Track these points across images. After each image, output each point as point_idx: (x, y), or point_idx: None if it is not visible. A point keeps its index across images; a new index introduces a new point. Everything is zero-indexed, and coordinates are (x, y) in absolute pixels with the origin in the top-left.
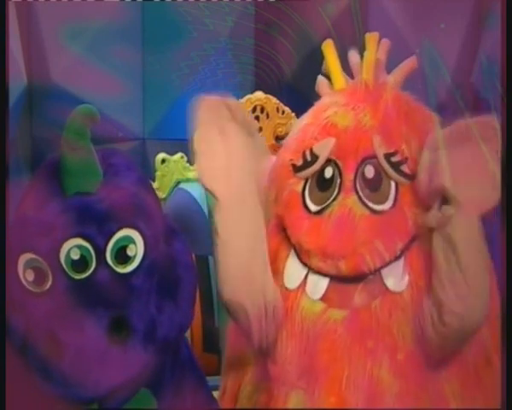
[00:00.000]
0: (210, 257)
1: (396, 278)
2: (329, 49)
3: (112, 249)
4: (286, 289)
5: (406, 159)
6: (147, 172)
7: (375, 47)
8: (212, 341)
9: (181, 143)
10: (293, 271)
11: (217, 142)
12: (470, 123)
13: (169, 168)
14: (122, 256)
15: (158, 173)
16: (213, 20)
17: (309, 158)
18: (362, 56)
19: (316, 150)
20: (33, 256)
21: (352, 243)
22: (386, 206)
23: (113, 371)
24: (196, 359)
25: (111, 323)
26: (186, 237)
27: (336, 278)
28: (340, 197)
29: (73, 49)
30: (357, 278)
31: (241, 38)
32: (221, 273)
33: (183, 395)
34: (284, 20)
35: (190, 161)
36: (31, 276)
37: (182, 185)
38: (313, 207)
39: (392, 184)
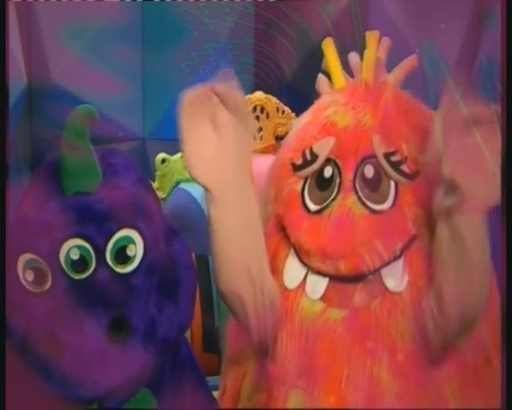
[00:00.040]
0: (210, 257)
1: (395, 278)
2: (329, 48)
3: (111, 249)
4: (285, 288)
5: (406, 158)
6: (147, 172)
7: (376, 46)
8: (212, 341)
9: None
10: (293, 270)
11: (205, 130)
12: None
13: (169, 168)
14: (122, 256)
15: (158, 173)
16: (213, 20)
17: (308, 157)
18: (362, 56)
19: (315, 149)
20: (33, 256)
21: (351, 243)
22: (386, 206)
23: (113, 371)
24: (196, 359)
25: (111, 323)
26: (186, 237)
27: (336, 278)
28: (339, 197)
29: (73, 49)
30: (356, 278)
31: (241, 38)
32: (217, 264)
33: (183, 395)
34: (284, 20)
35: None
36: (30, 276)
37: (182, 185)
38: (312, 207)
39: (392, 183)
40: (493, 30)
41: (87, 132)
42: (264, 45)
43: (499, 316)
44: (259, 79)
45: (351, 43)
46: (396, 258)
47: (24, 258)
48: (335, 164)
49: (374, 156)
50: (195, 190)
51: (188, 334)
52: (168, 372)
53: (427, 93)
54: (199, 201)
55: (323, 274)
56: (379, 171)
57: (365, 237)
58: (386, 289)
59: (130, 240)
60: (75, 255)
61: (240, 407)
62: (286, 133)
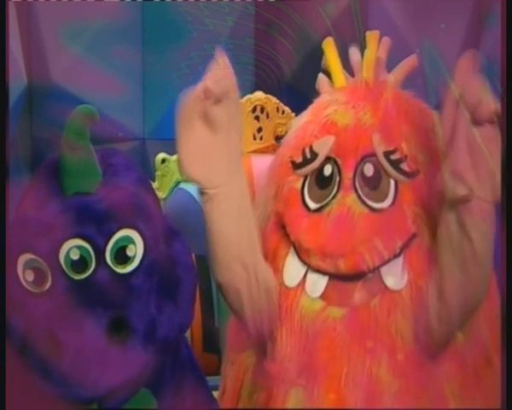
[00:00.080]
0: None
1: (395, 277)
2: (330, 48)
3: (111, 250)
4: (285, 287)
5: (406, 157)
6: (147, 172)
7: (376, 45)
8: (212, 341)
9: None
10: (293, 269)
11: (198, 129)
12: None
13: (169, 168)
14: (122, 256)
15: (158, 173)
16: (213, 20)
17: (308, 155)
18: (362, 55)
19: (315, 148)
20: (33, 257)
21: (350, 241)
22: (386, 204)
23: (113, 372)
24: (196, 359)
25: (111, 323)
26: (186, 237)
27: (335, 277)
28: (339, 195)
29: (73, 49)
30: (356, 277)
31: (241, 38)
32: (212, 256)
33: (183, 395)
34: (284, 20)
35: None
36: (30, 276)
37: (182, 185)
38: (312, 205)
39: (392, 182)
40: (493, 30)
41: (87, 132)
42: (264, 45)
43: (499, 316)
44: (259, 79)
45: (351, 44)
46: (396, 256)
47: (24, 258)
48: (335, 162)
49: (374, 155)
50: (195, 190)
51: (188, 334)
52: (168, 372)
53: (427, 93)
54: (199, 201)
55: (323, 272)
56: (379, 169)
57: (365, 235)
58: (386, 287)
59: (130, 240)
60: (75, 255)
61: (240, 406)
62: (286, 133)
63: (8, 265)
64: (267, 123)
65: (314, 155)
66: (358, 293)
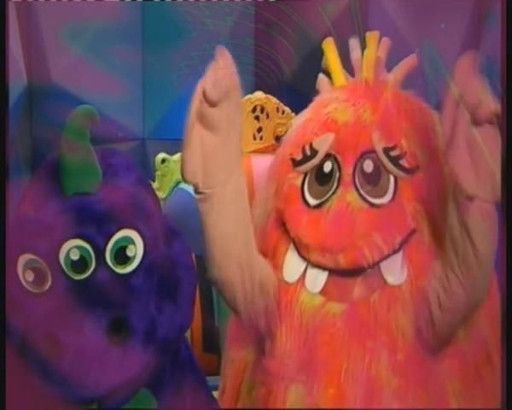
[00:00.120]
0: None
1: (395, 272)
2: (330, 47)
3: (111, 250)
4: (285, 282)
5: (405, 153)
6: (147, 172)
7: (376, 45)
8: (212, 341)
9: (181, 143)
10: (293, 265)
11: (199, 133)
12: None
13: (169, 168)
14: (121, 257)
15: (158, 173)
16: (213, 20)
17: (308, 152)
18: (362, 55)
19: (315, 145)
20: (33, 257)
21: (350, 236)
22: (385, 200)
23: (113, 372)
24: (196, 359)
25: (110, 323)
26: (186, 237)
27: (335, 272)
28: (338, 191)
29: (73, 49)
30: (355, 272)
31: (241, 38)
32: (207, 253)
33: (183, 395)
34: (284, 20)
35: None
36: (30, 276)
37: (182, 185)
38: (312, 202)
39: (391, 178)
40: (493, 30)
41: (87, 132)
42: (264, 45)
43: (500, 314)
44: (259, 79)
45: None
46: (395, 252)
47: (24, 258)
48: (335, 159)
49: (373, 151)
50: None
51: (188, 334)
52: (168, 373)
53: (427, 93)
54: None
55: (323, 268)
56: (378, 165)
57: (364, 230)
58: (386, 282)
59: (130, 240)
60: (75, 256)
61: (240, 403)
62: (286, 133)
63: (8, 265)
64: (267, 123)
65: (314, 152)
66: (358, 288)
